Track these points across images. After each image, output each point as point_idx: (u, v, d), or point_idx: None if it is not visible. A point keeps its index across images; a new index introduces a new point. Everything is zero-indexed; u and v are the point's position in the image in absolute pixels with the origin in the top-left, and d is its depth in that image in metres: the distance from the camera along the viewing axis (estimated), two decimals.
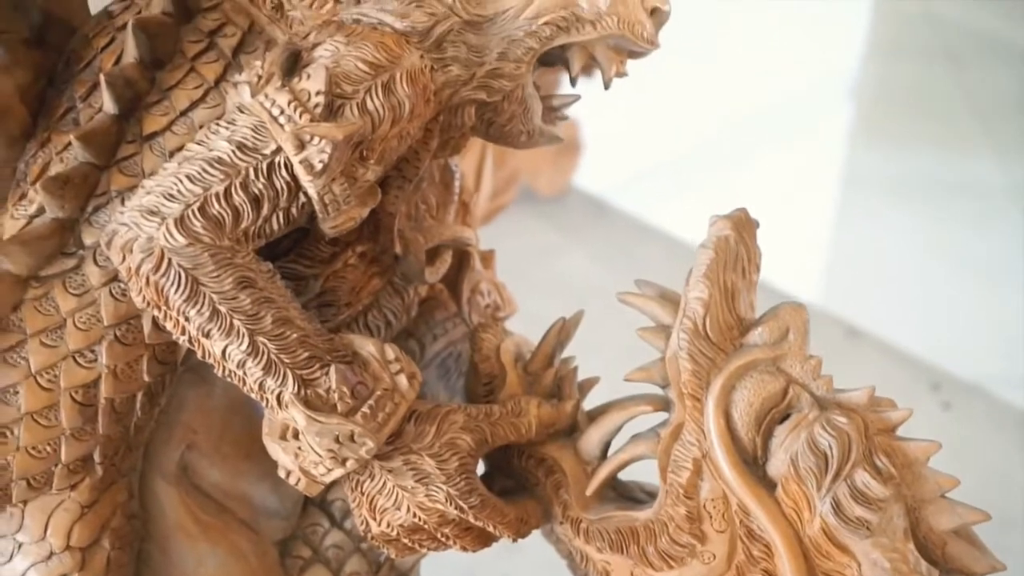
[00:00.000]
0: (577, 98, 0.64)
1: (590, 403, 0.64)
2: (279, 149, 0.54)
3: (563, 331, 0.66)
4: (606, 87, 0.62)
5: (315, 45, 0.56)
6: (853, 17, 2.39)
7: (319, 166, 0.53)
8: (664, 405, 0.60)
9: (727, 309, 0.57)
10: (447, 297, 0.71)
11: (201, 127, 0.58)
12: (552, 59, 0.61)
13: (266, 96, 0.54)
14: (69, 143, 0.58)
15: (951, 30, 2.76)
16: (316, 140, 0.53)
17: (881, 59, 2.58)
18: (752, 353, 0.56)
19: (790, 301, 0.59)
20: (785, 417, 0.56)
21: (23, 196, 0.59)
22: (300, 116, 0.53)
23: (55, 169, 0.58)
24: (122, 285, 0.57)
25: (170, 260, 0.53)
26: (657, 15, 0.60)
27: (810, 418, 0.55)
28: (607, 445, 0.62)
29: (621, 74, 0.61)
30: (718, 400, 0.56)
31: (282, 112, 0.54)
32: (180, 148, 0.58)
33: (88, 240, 0.58)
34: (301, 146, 0.53)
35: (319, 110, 0.54)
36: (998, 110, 2.47)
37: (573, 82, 0.62)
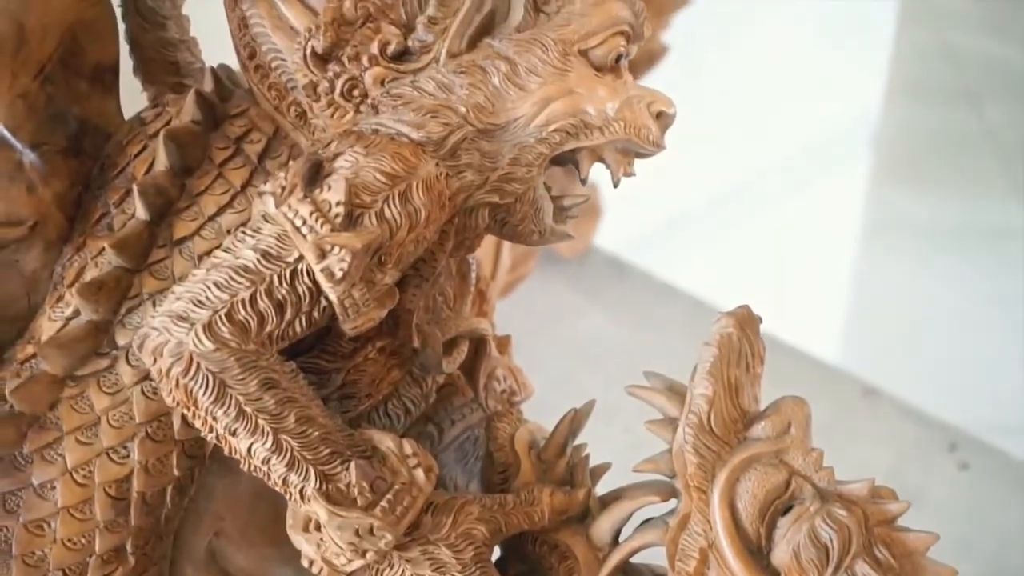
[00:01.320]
0: (587, 199, 0.67)
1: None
2: (301, 257, 0.57)
3: (575, 421, 0.68)
4: (615, 186, 0.65)
5: (336, 155, 0.59)
6: (872, 59, 2.39)
7: (339, 274, 0.56)
8: (672, 494, 0.62)
9: (731, 403, 0.60)
10: (464, 383, 0.73)
11: (228, 231, 0.62)
12: (562, 160, 0.64)
13: (289, 207, 0.57)
14: (103, 249, 0.61)
15: (972, 66, 2.77)
16: (336, 249, 0.56)
17: (901, 101, 2.59)
18: (756, 446, 0.59)
19: (792, 396, 0.61)
20: (788, 509, 0.58)
21: (60, 299, 0.62)
22: (321, 226, 0.56)
23: (90, 274, 0.61)
24: (153, 384, 0.60)
25: (199, 364, 0.56)
26: (663, 118, 0.63)
27: (812, 510, 0.57)
28: (618, 532, 0.64)
29: (629, 174, 0.64)
30: (723, 492, 0.58)
31: (304, 223, 0.56)
32: (208, 252, 0.61)
33: (121, 341, 0.61)
34: (322, 255, 0.56)
35: (339, 220, 0.56)
36: (1021, 150, 2.48)
37: (583, 182, 0.65)
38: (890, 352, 1.67)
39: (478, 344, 0.74)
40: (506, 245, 1.08)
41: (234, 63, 0.68)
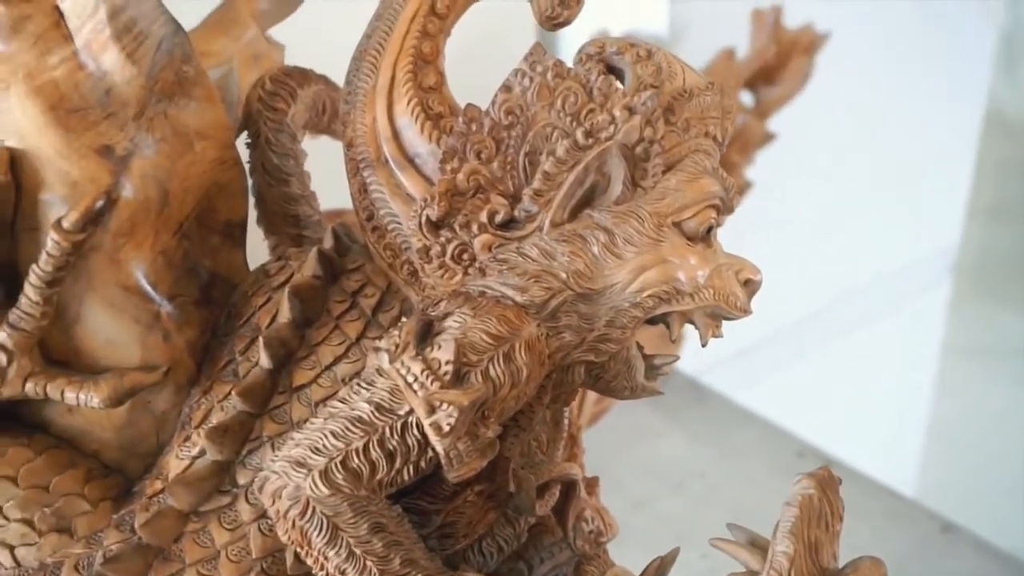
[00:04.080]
0: (677, 359, 0.71)
1: None
2: (412, 411, 0.61)
3: (661, 567, 0.72)
4: (703, 346, 0.69)
5: (446, 315, 0.63)
6: (953, 180, 2.41)
7: (447, 428, 0.61)
8: None
9: (811, 561, 0.63)
10: (554, 523, 0.77)
11: (343, 380, 0.67)
12: (654, 321, 0.68)
13: (402, 363, 0.62)
14: (229, 394, 0.67)
15: None
16: (445, 406, 0.61)
17: (982, 221, 2.59)
18: None
19: (870, 556, 0.64)
20: None
21: (187, 438, 0.67)
22: (431, 383, 0.61)
23: (216, 417, 0.66)
24: (269, 522, 0.64)
25: (314, 508, 0.60)
26: (750, 285, 0.67)
27: None
28: None
29: (717, 336, 0.68)
30: None
31: (416, 379, 0.61)
32: (325, 399, 0.66)
33: (242, 480, 0.66)
34: (432, 410, 0.61)
35: (448, 377, 0.61)
36: None
37: (673, 341, 0.69)
38: (968, 485, 1.67)
39: (568, 486, 0.77)
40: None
41: None
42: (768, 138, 1.52)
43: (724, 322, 0.68)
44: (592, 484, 0.80)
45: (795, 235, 1.78)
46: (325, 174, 0.83)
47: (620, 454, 1.56)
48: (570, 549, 0.77)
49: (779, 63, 1.52)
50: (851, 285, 2.08)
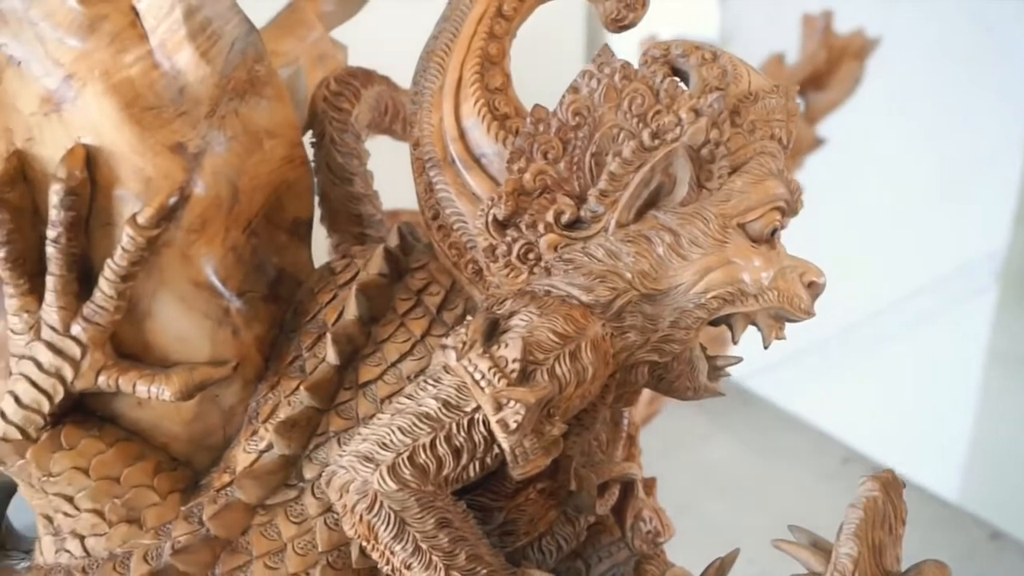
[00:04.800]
0: (739, 360, 0.71)
1: None
2: (479, 408, 0.62)
3: (721, 569, 0.72)
4: (765, 348, 0.69)
5: (511, 313, 0.64)
6: (999, 189, 2.39)
7: (513, 425, 0.61)
8: None
9: (874, 563, 0.63)
10: (612, 523, 0.77)
11: (408, 377, 0.67)
12: (717, 322, 0.68)
13: (469, 361, 0.62)
14: (296, 389, 0.68)
15: None
16: (512, 403, 0.61)
17: None
18: None
19: (934, 560, 0.64)
20: None
21: (255, 432, 0.68)
22: (498, 381, 0.61)
23: (284, 412, 0.67)
24: (335, 516, 0.65)
25: (382, 502, 0.61)
26: (813, 288, 0.68)
27: None
28: None
29: (780, 338, 0.69)
30: None
31: (483, 376, 0.62)
32: (390, 395, 0.67)
33: (308, 474, 0.67)
34: (499, 407, 0.61)
35: (514, 375, 0.62)
36: None
37: (735, 342, 0.70)
38: (1015, 492, 1.66)
39: (627, 486, 0.78)
40: None
41: None
42: (818, 143, 1.52)
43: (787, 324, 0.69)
44: (650, 485, 0.81)
45: (842, 242, 1.77)
46: (385, 174, 0.84)
47: (666, 458, 1.56)
48: (628, 549, 0.77)
49: (829, 68, 1.52)
50: (898, 291, 2.07)
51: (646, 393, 1.22)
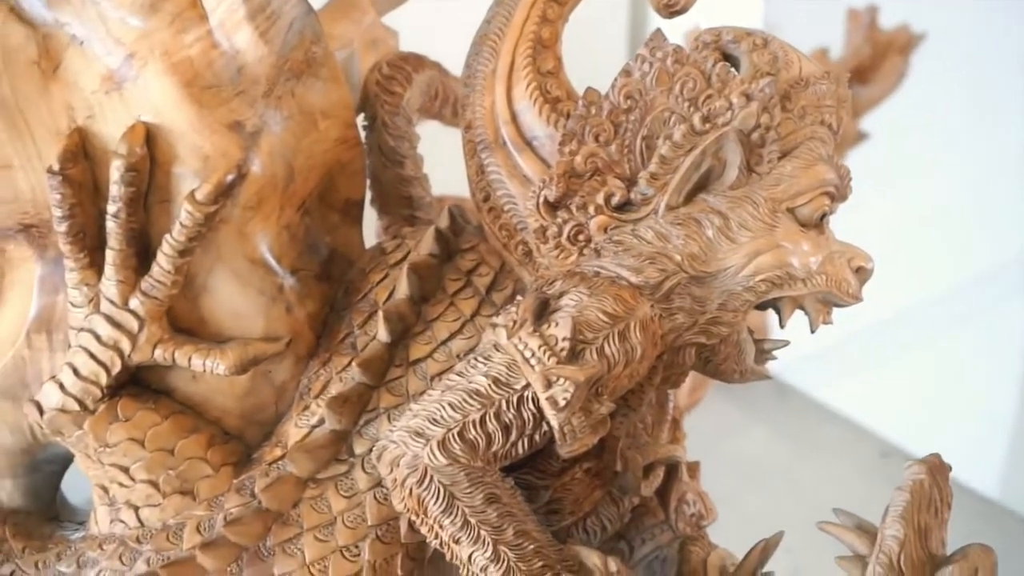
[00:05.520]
0: (787, 343, 0.72)
1: None
2: (528, 385, 0.63)
3: (766, 550, 0.72)
4: (812, 332, 0.70)
5: (561, 293, 0.65)
6: None
7: (563, 403, 0.62)
8: None
9: (920, 547, 0.63)
10: (656, 505, 0.78)
11: (458, 355, 0.68)
12: (764, 306, 0.69)
13: (519, 339, 0.63)
14: (348, 365, 0.69)
15: None
16: (561, 381, 0.62)
17: None
18: None
19: (979, 544, 0.64)
20: None
21: (306, 408, 0.69)
22: (548, 359, 0.62)
23: (335, 388, 0.68)
24: (384, 490, 0.66)
25: (432, 477, 0.62)
26: (862, 273, 0.68)
27: None
28: None
29: (827, 323, 0.69)
30: None
31: (533, 354, 0.63)
32: (440, 373, 0.68)
33: (358, 449, 0.68)
34: (548, 385, 0.62)
35: (564, 354, 0.62)
36: None
37: (782, 326, 0.70)
38: None
39: (671, 469, 0.78)
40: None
41: None
42: (861, 138, 1.51)
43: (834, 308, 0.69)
44: (693, 468, 0.81)
45: (884, 237, 1.76)
46: (432, 161, 0.85)
47: (702, 450, 1.56)
48: (671, 531, 0.78)
49: (873, 63, 1.52)
50: (940, 287, 2.06)
51: (689, 382, 1.22)
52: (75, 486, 0.78)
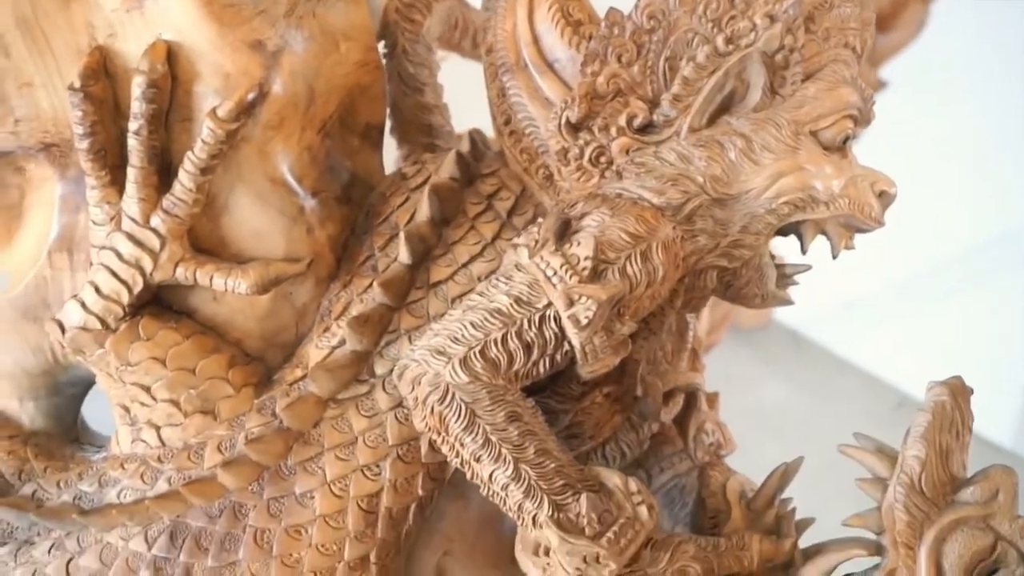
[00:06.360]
0: (809, 268, 0.72)
1: None
2: (550, 304, 0.63)
3: (785, 475, 0.72)
4: (834, 258, 0.69)
5: (583, 214, 0.65)
6: None
7: (584, 321, 0.62)
8: (876, 550, 0.66)
9: (941, 468, 0.63)
10: (675, 434, 0.78)
11: (478, 278, 0.68)
12: (786, 231, 0.69)
13: (541, 258, 0.63)
14: (369, 286, 0.69)
15: None
16: (583, 299, 0.62)
17: None
18: (964, 510, 0.62)
19: (1001, 464, 0.64)
20: (992, 572, 0.61)
21: (327, 329, 0.70)
22: (570, 278, 0.62)
23: (356, 309, 0.68)
24: (405, 411, 0.67)
25: (453, 394, 0.62)
26: (884, 197, 0.67)
27: (1017, 574, 0.60)
28: None
29: (849, 248, 0.69)
30: (930, 550, 0.62)
31: (555, 273, 0.62)
32: (460, 295, 0.68)
33: (379, 370, 0.68)
34: (570, 303, 0.62)
35: (586, 273, 0.62)
36: None
37: (804, 251, 0.70)
38: None
39: (690, 398, 0.79)
40: (704, 312, 1.12)
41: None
42: (880, 86, 1.50)
43: (856, 234, 0.69)
44: (712, 399, 0.81)
45: (905, 194, 1.76)
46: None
47: (720, 400, 1.56)
48: (690, 460, 0.78)
49: (894, 10, 1.51)
50: (956, 246, 2.05)
51: (705, 323, 1.22)
52: (95, 417, 0.79)
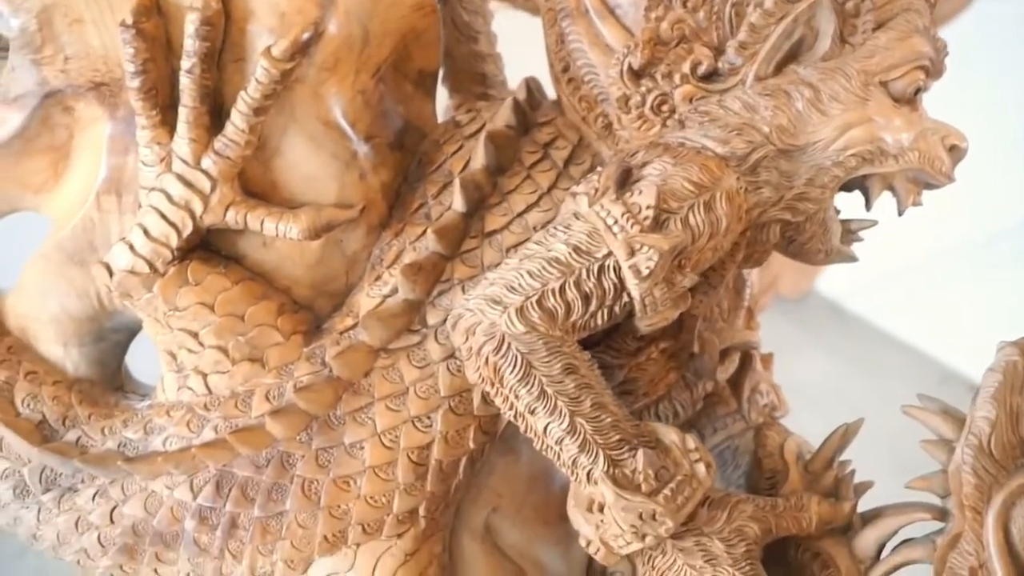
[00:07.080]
0: (875, 223, 0.70)
1: None
2: (610, 254, 0.61)
3: (845, 436, 0.71)
4: (900, 215, 0.67)
5: (644, 163, 0.63)
6: None
7: (645, 272, 0.60)
8: (939, 514, 0.64)
9: (1011, 429, 0.61)
10: (728, 394, 0.76)
11: (534, 228, 0.67)
12: (851, 186, 0.67)
13: (602, 207, 0.61)
14: (422, 234, 0.67)
15: None
16: (644, 249, 0.60)
17: None
18: None
19: None
20: None
21: (378, 278, 0.68)
22: (631, 227, 0.60)
23: (409, 257, 0.67)
24: (458, 362, 0.65)
25: (509, 344, 0.60)
26: (955, 152, 0.65)
27: None
28: (882, 546, 0.66)
29: (917, 204, 0.67)
30: (998, 514, 0.60)
31: (616, 222, 0.61)
32: (516, 245, 0.66)
33: (432, 320, 0.67)
34: (631, 253, 0.60)
35: (648, 222, 0.61)
36: None
37: (868, 207, 0.68)
38: None
39: (745, 357, 0.77)
40: (753, 275, 1.11)
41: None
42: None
43: (925, 189, 0.67)
44: (767, 359, 0.80)
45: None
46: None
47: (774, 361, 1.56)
48: (743, 421, 0.77)
49: None
50: (1003, 221, 2.02)
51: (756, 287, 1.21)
52: (137, 369, 0.78)
